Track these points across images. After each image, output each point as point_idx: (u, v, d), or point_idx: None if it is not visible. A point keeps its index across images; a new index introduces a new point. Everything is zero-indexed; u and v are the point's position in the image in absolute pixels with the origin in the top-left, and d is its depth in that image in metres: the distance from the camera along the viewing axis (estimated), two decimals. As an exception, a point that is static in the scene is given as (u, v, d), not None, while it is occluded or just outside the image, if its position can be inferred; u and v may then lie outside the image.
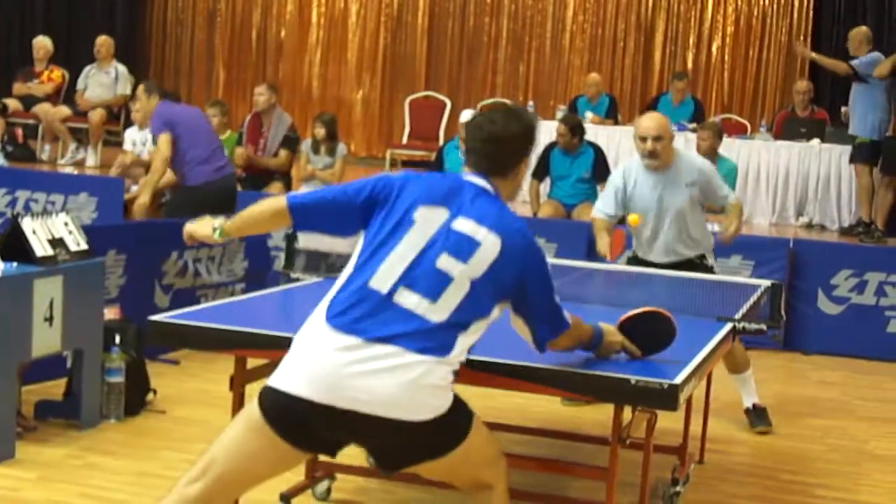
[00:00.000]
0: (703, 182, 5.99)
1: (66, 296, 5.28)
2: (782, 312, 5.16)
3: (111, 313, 5.91)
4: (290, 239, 4.98)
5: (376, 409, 3.08)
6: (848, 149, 10.62)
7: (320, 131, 10.22)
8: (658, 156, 5.84)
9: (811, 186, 11.13)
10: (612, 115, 12.00)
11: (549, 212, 9.65)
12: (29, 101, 12.46)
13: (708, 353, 4.01)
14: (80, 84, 12.35)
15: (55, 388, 5.83)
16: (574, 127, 9.70)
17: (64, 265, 5.33)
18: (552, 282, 3.38)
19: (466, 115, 9.91)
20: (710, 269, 6.05)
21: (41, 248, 5.26)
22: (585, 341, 3.55)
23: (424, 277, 3.18)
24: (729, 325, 4.52)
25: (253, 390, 3.46)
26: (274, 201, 3.53)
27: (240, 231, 3.72)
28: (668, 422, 5.50)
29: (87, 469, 4.94)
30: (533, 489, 4.77)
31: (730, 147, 10.47)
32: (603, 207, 6.11)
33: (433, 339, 3.13)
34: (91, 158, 12.02)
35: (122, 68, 12.34)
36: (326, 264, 5.02)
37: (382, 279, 3.17)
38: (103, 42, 12.34)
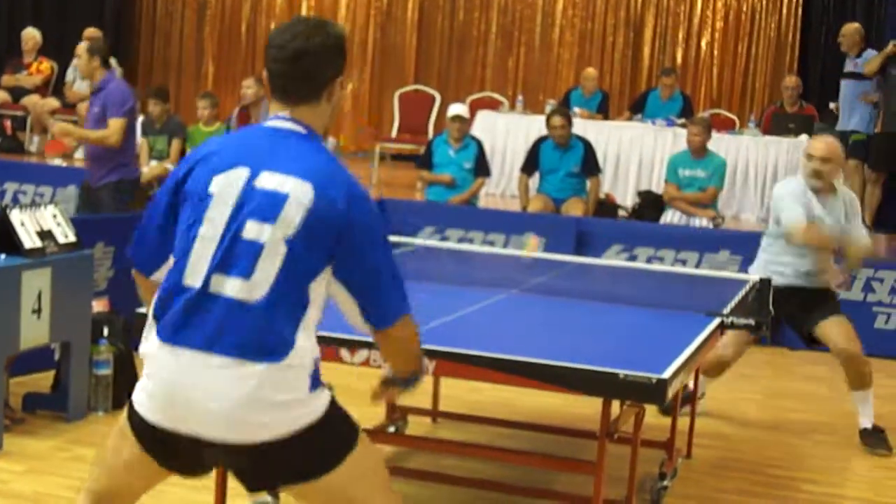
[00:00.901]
0: (852, 215, 6.07)
1: (54, 288, 5.28)
2: (770, 308, 5.19)
3: (99, 305, 5.90)
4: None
5: (211, 432, 2.70)
6: (836, 145, 10.63)
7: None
8: (822, 177, 5.89)
9: (799, 182, 11.14)
10: (603, 110, 12.01)
11: (539, 206, 9.64)
12: (17, 92, 12.42)
13: (696, 347, 4.02)
14: (68, 76, 12.32)
15: (43, 381, 5.83)
16: (570, 120, 9.78)
17: (52, 257, 5.33)
18: (391, 249, 2.85)
19: (455, 109, 9.91)
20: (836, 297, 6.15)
21: (29, 240, 5.26)
22: None
23: (235, 255, 2.70)
24: (717, 320, 4.54)
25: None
26: (135, 275, 2.98)
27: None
28: (656, 416, 5.54)
29: (75, 461, 4.93)
30: (520, 483, 4.78)
31: (718, 142, 10.47)
32: (801, 214, 5.85)
33: (262, 333, 2.68)
34: (79, 151, 11.96)
35: (111, 61, 12.26)
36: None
37: (194, 272, 2.72)
38: (92, 34, 12.29)
